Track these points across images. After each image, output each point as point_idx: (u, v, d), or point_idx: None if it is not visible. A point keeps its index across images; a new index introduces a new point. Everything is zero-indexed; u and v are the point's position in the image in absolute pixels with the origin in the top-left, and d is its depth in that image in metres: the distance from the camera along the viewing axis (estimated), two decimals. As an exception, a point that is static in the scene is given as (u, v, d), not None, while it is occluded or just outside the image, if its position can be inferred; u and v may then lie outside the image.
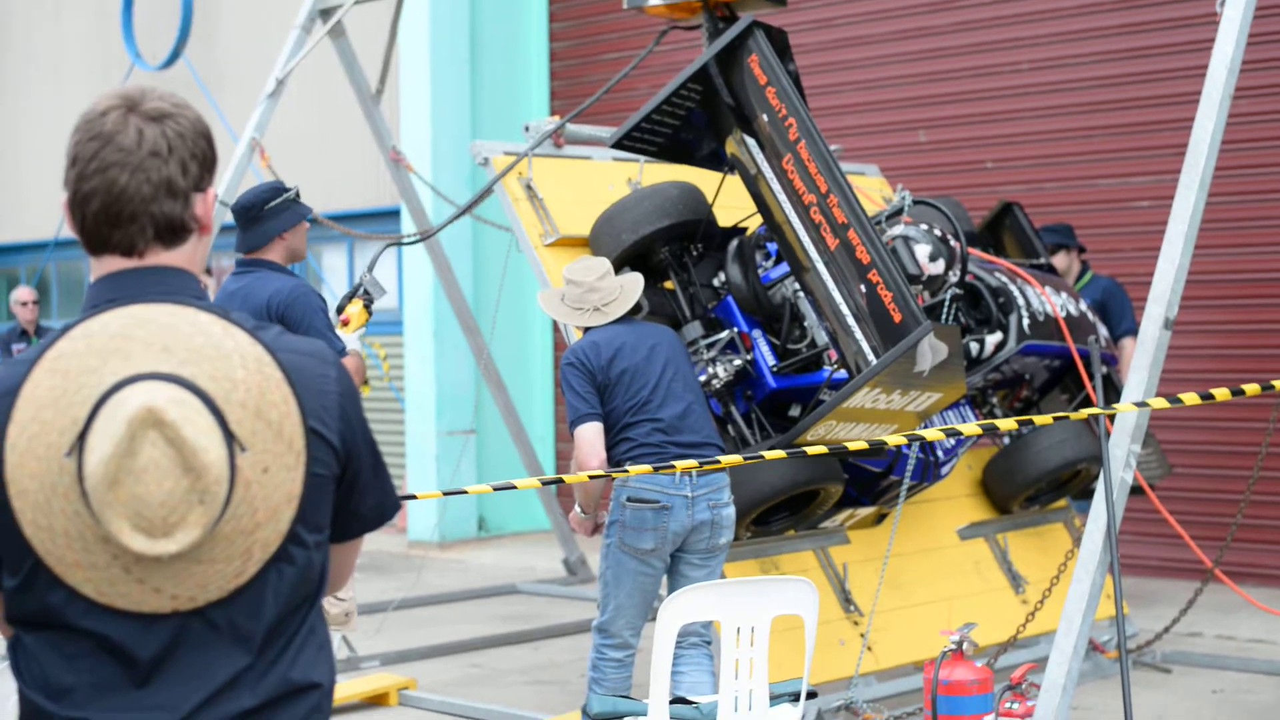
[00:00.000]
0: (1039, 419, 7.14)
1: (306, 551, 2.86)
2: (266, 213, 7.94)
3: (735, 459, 7.08)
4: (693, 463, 7.05)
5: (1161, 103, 12.92)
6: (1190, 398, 6.81)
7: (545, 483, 7.17)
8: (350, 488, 2.98)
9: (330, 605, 8.10)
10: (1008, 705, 7.40)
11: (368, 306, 8.42)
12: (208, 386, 2.72)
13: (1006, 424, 7.12)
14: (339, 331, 8.22)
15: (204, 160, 2.92)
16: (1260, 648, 10.51)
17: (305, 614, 2.91)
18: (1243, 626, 11.05)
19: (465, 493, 7.16)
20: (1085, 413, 7.20)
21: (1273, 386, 7.15)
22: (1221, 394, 6.85)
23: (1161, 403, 6.96)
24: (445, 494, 7.32)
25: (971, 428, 6.83)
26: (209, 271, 14.53)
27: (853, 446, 6.91)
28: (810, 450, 6.89)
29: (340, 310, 8.38)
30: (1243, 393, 6.88)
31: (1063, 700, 7.24)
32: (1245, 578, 11.92)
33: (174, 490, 2.65)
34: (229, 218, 11.95)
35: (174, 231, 2.90)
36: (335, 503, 2.95)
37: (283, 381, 2.81)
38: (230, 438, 2.71)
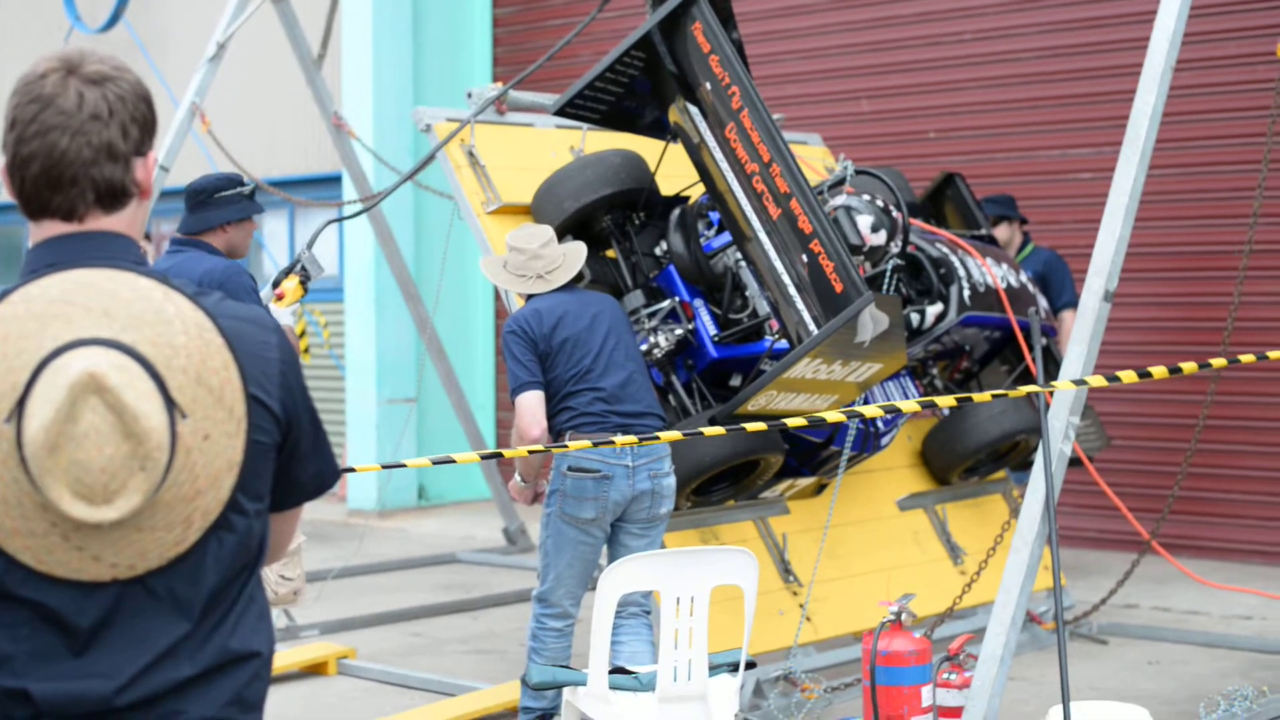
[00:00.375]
0: (978, 396, 7.16)
1: (247, 519, 2.85)
2: (214, 200, 7.90)
3: (675, 435, 7.08)
4: (632, 439, 7.06)
5: (1103, 75, 12.96)
6: (1128, 375, 6.83)
7: (485, 457, 7.15)
8: (290, 456, 2.97)
9: (279, 585, 8.08)
10: (945, 676, 7.43)
11: (304, 283, 8.39)
12: (148, 352, 2.69)
13: (945, 401, 7.13)
14: (272, 306, 8.20)
15: (144, 124, 2.90)
16: (1195, 619, 10.58)
17: (245, 582, 2.90)
18: (1178, 598, 11.12)
19: (404, 466, 7.14)
20: (1023, 390, 7.22)
21: (1209, 364, 7.19)
22: (1159, 372, 6.88)
23: (1099, 380, 6.98)
24: (384, 467, 7.30)
25: (910, 404, 6.85)
26: (148, 237, 14.44)
27: (791, 423, 6.91)
28: (750, 427, 6.89)
29: (276, 284, 8.35)
30: (1180, 371, 6.91)
31: (1000, 671, 7.26)
32: (1181, 550, 11.99)
33: (115, 456, 2.63)
34: (169, 182, 11.93)
35: (114, 196, 2.88)
36: (275, 471, 2.94)
37: (224, 347, 2.79)
38: (171, 404, 2.69)
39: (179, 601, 2.79)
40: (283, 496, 3.00)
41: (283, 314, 8.00)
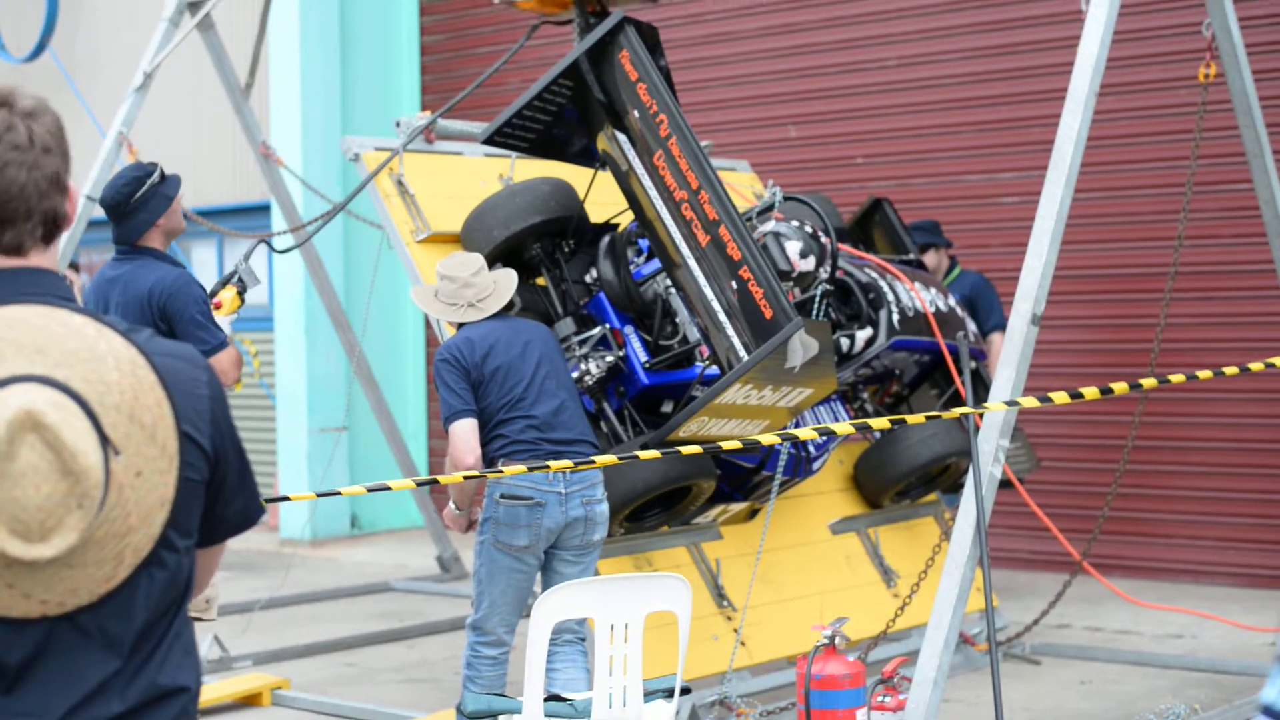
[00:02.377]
0: (910, 418, 7.18)
1: (177, 556, 2.84)
2: (134, 205, 7.85)
3: (609, 459, 7.08)
4: (567, 463, 7.05)
5: (1028, 99, 13.05)
6: (1060, 396, 6.89)
7: (420, 483, 7.13)
8: (217, 492, 2.97)
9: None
10: (880, 699, 7.45)
11: (241, 294, 8.38)
12: (82, 389, 2.69)
13: (879, 423, 7.16)
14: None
15: (68, 155, 2.93)
16: (1127, 638, 10.64)
17: (173, 618, 2.89)
18: (1110, 618, 11.18)
19: (339, 494, 7.11)
20: (956, 412, 7.25)
21: (1140, 385, 7.24)
22: (1091, 392, 6.93)
23: (1031, 401, 7.03)
24: (319, 495, 7.26)
25: (844, 426, 6.86)
26: (75, 267, 14.31)
27: (726, 446, 6.92)
28: (684, 450, 6.90)
29: (213, 295, 8.32)
30: (1111, 391, 6.96)
31: (934, 693, 7.29)
32: (1112, 570, 12.06)
33: (52, 494, 2.62)
34: (98, 212, 11.85)
35: (57, 227, 2.91)
36: (202, 507, 2.93)
37: (156, 384, 2.78)
38: (105, 441, 2.68)
39: (109, 638, 2.78)
40: (209, 532, 2.99)
41: (222, 323, 7.97)
